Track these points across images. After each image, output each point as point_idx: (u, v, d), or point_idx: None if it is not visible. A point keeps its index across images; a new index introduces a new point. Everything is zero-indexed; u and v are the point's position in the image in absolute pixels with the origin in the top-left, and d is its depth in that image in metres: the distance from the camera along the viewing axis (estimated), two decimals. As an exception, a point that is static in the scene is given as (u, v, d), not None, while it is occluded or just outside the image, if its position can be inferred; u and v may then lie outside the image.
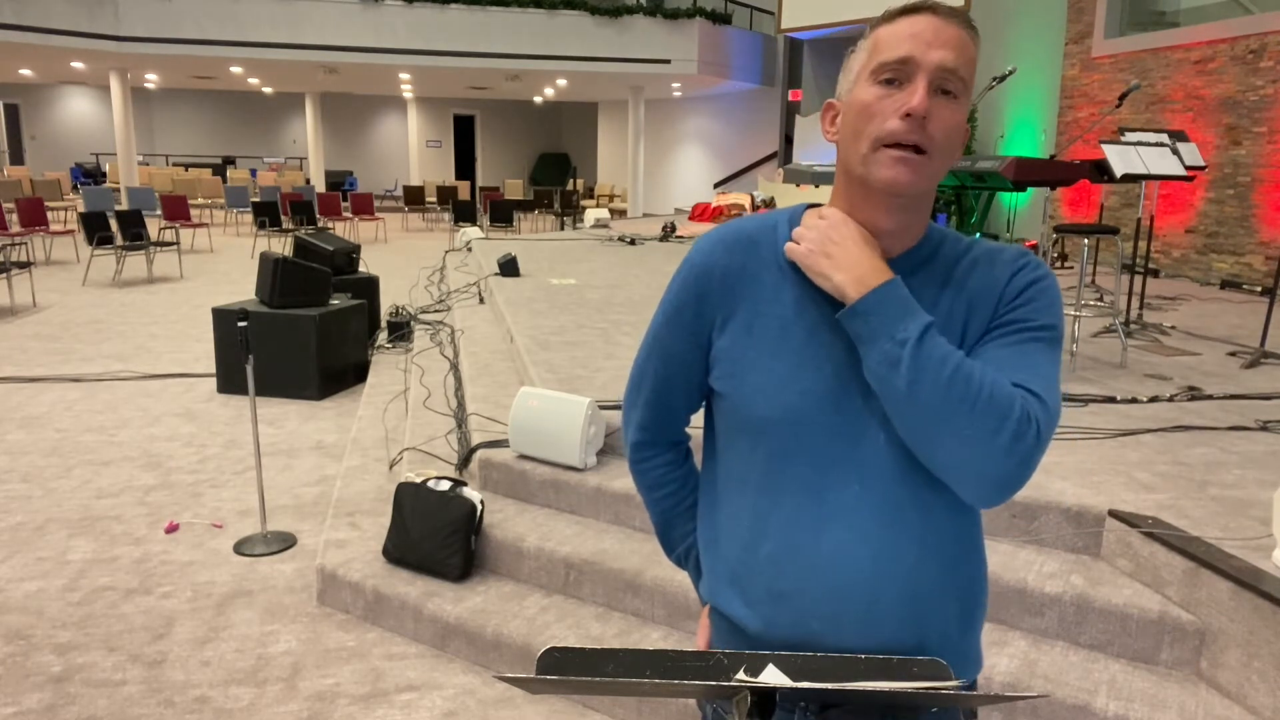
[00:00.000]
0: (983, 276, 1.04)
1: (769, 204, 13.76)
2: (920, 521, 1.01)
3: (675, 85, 19.05)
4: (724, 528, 1.11)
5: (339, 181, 23.50)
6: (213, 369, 6.23)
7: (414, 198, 18.17)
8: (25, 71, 19.29)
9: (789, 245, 1.04)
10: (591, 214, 13.49)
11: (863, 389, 1.01)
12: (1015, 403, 0.93)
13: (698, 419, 1.21)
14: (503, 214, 14.87)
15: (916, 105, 0.94)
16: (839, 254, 0.99)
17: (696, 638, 1.19)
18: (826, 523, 1.01)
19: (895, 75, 0.97)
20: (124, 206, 14.00)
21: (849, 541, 1.01)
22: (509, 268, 7.42)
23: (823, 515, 1.02)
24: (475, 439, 3.55)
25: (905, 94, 0.96)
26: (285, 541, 3.53)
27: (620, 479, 3.12)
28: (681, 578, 2.68)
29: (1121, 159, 4.45)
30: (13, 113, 23.85)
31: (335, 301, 5.84)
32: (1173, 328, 5.62)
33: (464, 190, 20.02)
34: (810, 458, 1.02)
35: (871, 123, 0.97)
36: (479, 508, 3.00)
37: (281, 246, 12.57)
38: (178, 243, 11.28)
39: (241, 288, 9.76)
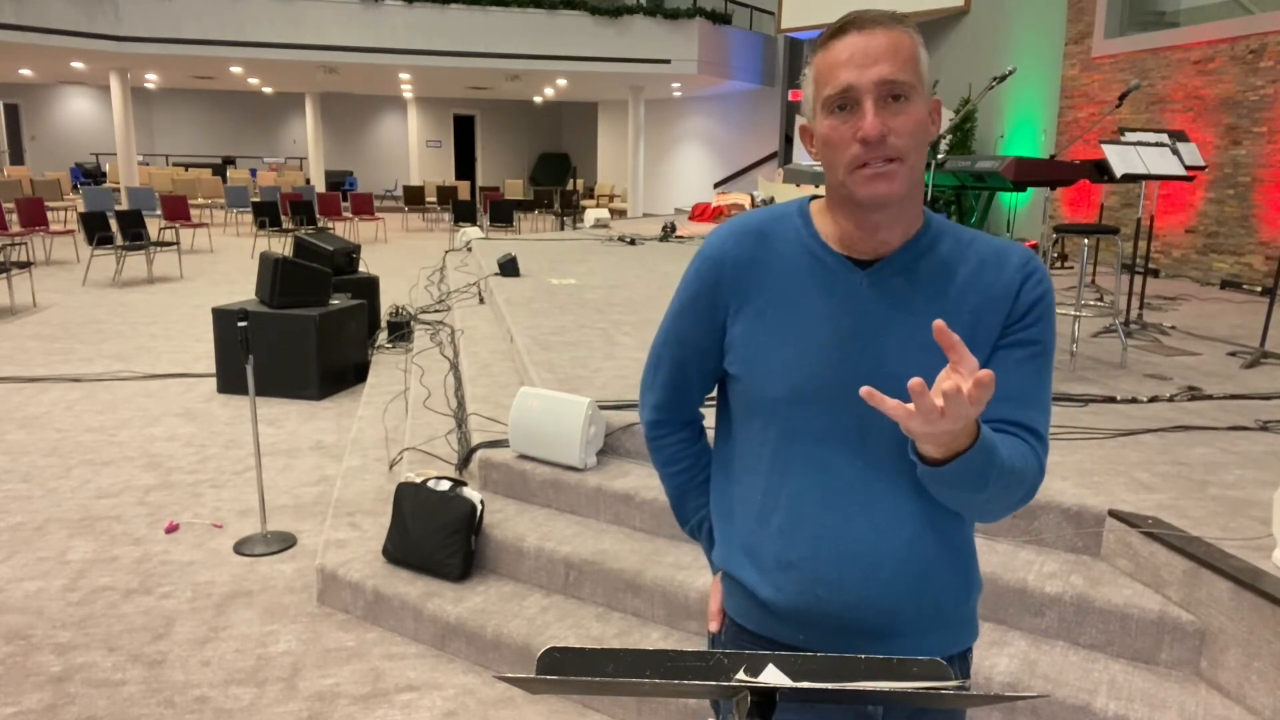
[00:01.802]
0: (991, 280, 1.08)
1: (768, 204, 13.75)
2: (918, 496, 1.09)
3: (675, 85, 19.05)
4: (738, 502, 1.18)
5: (339, 181, 23.51)
6: (213, 369, 6.23)
7: (414, 198, 18.17)
8: (25, 71, 19.30)
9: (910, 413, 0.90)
10: (591, 214, 13.49)
11: (868, 374, 1.07)
12: (1031, 470, 1.03)
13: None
14: (503, 214, 14.86)
15: (868, 132, 0.99)
16: (949, 423, 0.89)
17: (710, 602, 1.27)
18: (832, 497, 1.09)
19: (843, 102, 1.01)
20: (124, 206, 14.00)
21: (852, 515, 1.09)
22: (509, 268, 7.42)
23: (828, 490, 1.09)
24: (475, 439, 3.55)
25: (857, 118, 1.00)
26: (285, 541, 3.53)
27: (620, 479, 3.12)
28: (682, 577, 2.68)
29: (1121, 159, 4.46)
30: (13, 113, 23.85)
31: (335, 301, 5.84)
32: (1173, 328, 5.62)
33: (464, 190, 20.02)
34: (817, 437, 1.09)
35: (836, 152, 1.03)
36: (479, 508, 3.00)
37: (281, 246, 12.57)
38: (178, 243, 11.28)
39: (241, 288, 9.76)
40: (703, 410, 1.32)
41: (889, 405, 0.88)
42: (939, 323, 0.88)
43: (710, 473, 1.29)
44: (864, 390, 0.89)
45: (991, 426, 1.08)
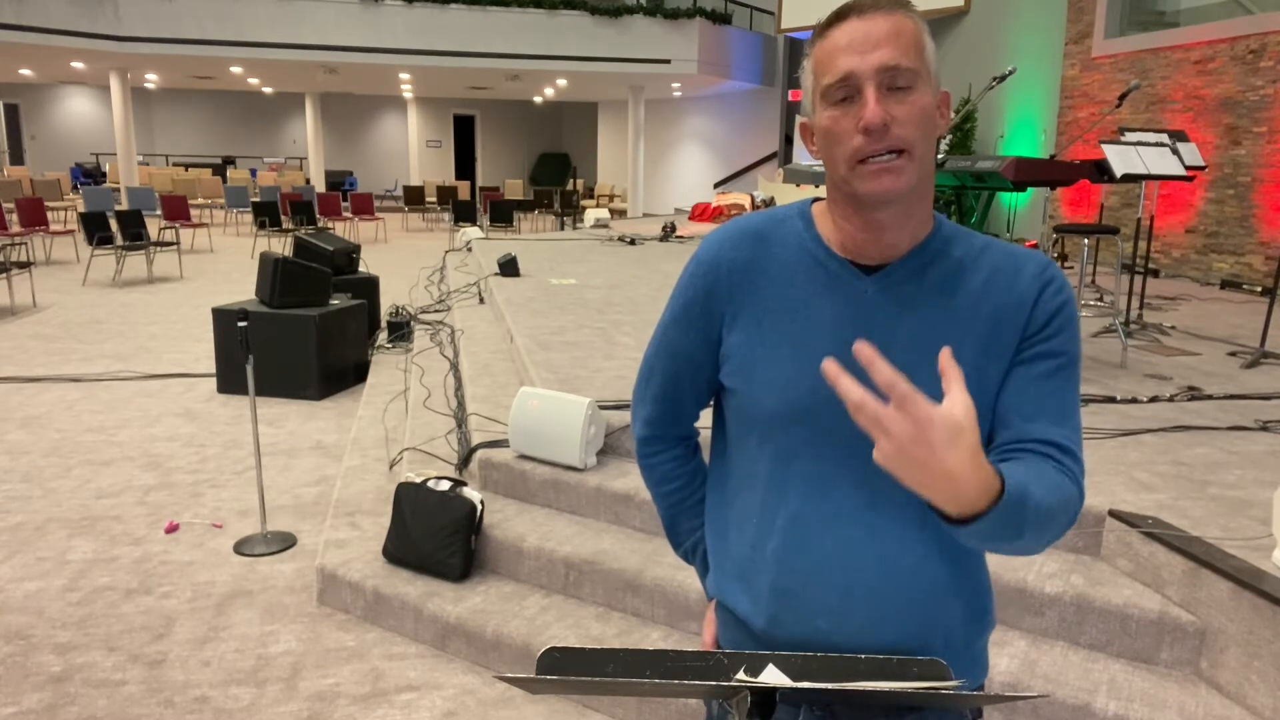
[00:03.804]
0: (1006, 288, 1.01)
1: (769, 204, 13.76)
2: (927, 520, 1.01)
3: (675, 85, 19.04)
4: (732, 524, 1.11)
5: (339, 181, 23.50)
6: (213, 369, 6.23)
7: (414, 198, 18.17)
8: (25, 71, 19.29)
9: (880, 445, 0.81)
10: (591, 214, 13.49)
11: (872, 387, 1.00)
12: (1072, 500, 0.94)
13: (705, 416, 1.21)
14: (503, 214, 14.86)
15: (870, 120, 0.92)
16: (927, 476, 0.81)
17: (703, 633, 1.19)
18: (833, 521, 1.02)
19: (844, 93, 0.95)
20: (124, 206, 14.00)
21: (855, 541, 1.01)
22: (509, 268, 7.42)
23: (829, 514, 1.02)
24: (475, 439, 3.55)
25: (859, 107, 0.94)
26: (285, 541, 3.53)
27: (620, 479, 3.12)
28: (682, 577, 2.68)
29: (1121, 159, 4.45)
30: (13, 113, 23.85)
31: (335, 301, 5.83)
32: (1173, 328, 5.62)
33: (464, 190, 20.01)
34: (818, 456, 1.02)
35: (838, 145, 0.96)
36: (479, 508, 3.00)
37: (281, 246, 12.57)
38: (178, 243, 11.28)
39: (241, 288, 9.76)
40: (697, 426, 1.25)
41: (852, 393, 0.77)
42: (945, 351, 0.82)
43: (705, 492, 1.21)
44: (827, 364, 0.79)
45: (1021, 447, 0.99)
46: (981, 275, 1.02)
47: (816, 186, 6.25)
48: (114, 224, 10.47)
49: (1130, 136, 5.06)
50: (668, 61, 16.87)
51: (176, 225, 12.52)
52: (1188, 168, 5.41)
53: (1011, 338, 1.00)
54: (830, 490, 1.02)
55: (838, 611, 1.02)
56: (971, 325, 1.00)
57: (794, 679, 0.86)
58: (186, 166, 22.87)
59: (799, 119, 1.07)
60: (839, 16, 0.96)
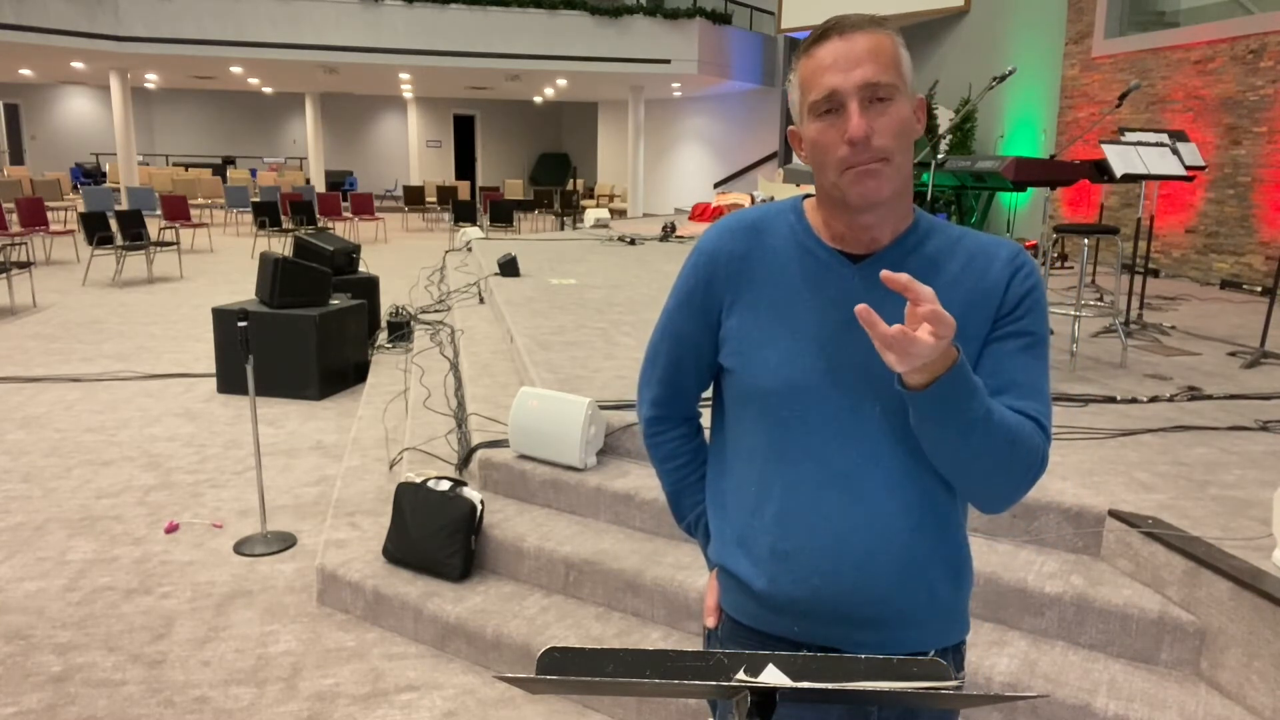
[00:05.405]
0: (980, 275, 1.11)
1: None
2: (911, 486, 1.10)
3: (675, 85, 19.04)
4: (732, 494, 1.20)
5: (339, 181, 23.50)
6: (213, 369, 6.23)
7: (414, 198, 18.17)
8: (25, 71, 19.29)
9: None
10: (591, 214, 13.48)
11: (861, 365, 1.09)
12: (1038, 451, 1.05)
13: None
14: (503, 214, 14.86)
15: (854, 134, 1.01)
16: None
17: (706, 599, 1.28)
18: (826, 487, 1.11)
19: (829, 106, 1.04)
20: (124, 206, 14.00)
21: (846, 504, 1.10)
22: (509, 268, 7.42)
23: (822, 480, 1.11)
24: (475, 439, 3.55)
25: (844, 120, 1.03)
26: (285, 541, 3.53)
27: (620, 479, 3.12)
28: (682, 577, 2.68)
29: (1121, 159, 4.45)
30: (13, 113, 23.85)
31: (335, 301, 5.83)
32: (1173, 328, 5.62)
33: (464, 190, 20.01)
34: (812, 428, 1.11)
35: (825, 155, 1.05)
36: (479, 508, 3.00)
37: (281, 246, 12.57)
38: (178, 243, 11.28)
39: (241, 288, 9.76)
40: (700, 409, 1.33)
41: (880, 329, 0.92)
42: (885, 272, 0.92)
43: (706, 469, 1.30)
44: (860, 308, 0.92)
45: None
46: (958, 262, 1.11)
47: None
48: (114, 224, 10.47)
49: (1130, 136, 5.06)
50: (668, 61, 16.87)
51: (176, 225, 12.52)
52: (1188, 168, 5.41)
53: (986, 319, 1.10)
54: (822, 459, 1.11)
55: (831, 572, 1.11)
56: (948, 308, 1.09)
57: (794, 679, 0.86)
58: (186, 166, 22.87)
59: (790, 126, 1.14)
60: (823, 35, 1.05)
